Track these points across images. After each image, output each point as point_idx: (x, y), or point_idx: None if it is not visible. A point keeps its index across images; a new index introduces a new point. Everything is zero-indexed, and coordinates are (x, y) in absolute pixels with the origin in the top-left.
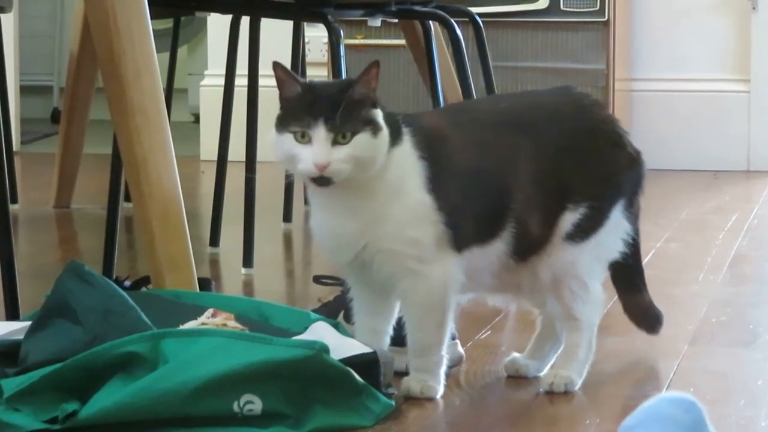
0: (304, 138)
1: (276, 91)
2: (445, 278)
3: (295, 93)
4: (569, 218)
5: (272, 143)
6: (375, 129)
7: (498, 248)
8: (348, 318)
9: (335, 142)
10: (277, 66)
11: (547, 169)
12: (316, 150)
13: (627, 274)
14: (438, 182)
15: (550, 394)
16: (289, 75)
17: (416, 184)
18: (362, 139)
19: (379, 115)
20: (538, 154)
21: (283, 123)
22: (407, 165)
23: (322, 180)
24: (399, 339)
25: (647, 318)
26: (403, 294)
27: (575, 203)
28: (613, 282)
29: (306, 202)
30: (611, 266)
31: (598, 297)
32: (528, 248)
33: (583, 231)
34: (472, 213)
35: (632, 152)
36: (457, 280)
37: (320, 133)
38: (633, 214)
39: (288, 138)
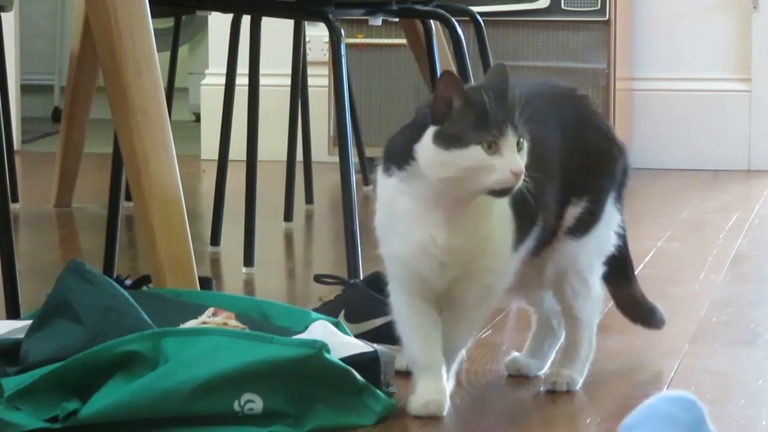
0: (491, 148)
1: (277, 90)
2: (505, 285)
3: (459, 104)
4: (572, 212)
5: (438, 159)
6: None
7: (528, 245)
8: (349, 317)
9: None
10: (443, 78)
11: (557, 162)
12: (511, 159)
13: (617, 266)
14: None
15: (551, 393)
16: (456, 87)
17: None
18: (526, 144)
19: None
20: (550, 146)
21: (460, 137)
22: None
23: (509, 190)
24: (394, 337)
25: (641, 311)
26: (470, 305)
27: (578, 197)
28: (603, 277)
29: (308, 201)
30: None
31: (598, 294)
32: (543, 243)
33: (584, 225)
34: (529, 215)
35: (620, 144)
36: (509, 284)
37: (511, 142)
38: (622, 205)
39: (474, 151)
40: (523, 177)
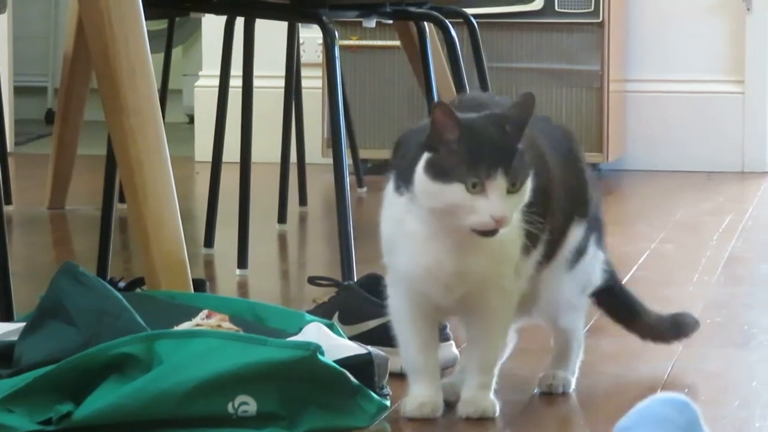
0: (475, 188)
1: (271, 92)
2: (520, 289)
3: (455, 136)
4: (567, 239)
5: (427, 189)
6: (531, 170)
7: (534, 258)
8: (343, 319)
9: (508, 192)
10: (438, 108)
11: (560, 185)
12: (495, 204)
13: (621, 305)
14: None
15: (546, 395)
16: (451, 117)
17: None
18: (528, 184)
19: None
20: (554, 168)
21: (447, 171)
22: None
23: (492, 232)
24: (389, 339)
25: (668, 329)
26: (491, 312)
27: (574, 224)
28: (616, 320)
29: (302, 203)
30: (608, 307)
31: (584, 307)
32: (544, 259)
33: (576, 254)
34: (538, 225)
35: (592, 194)
36: (523, 288)
37: (499, 186)
38: (603, 249)
39: (457, 188)
40: (507, 222)
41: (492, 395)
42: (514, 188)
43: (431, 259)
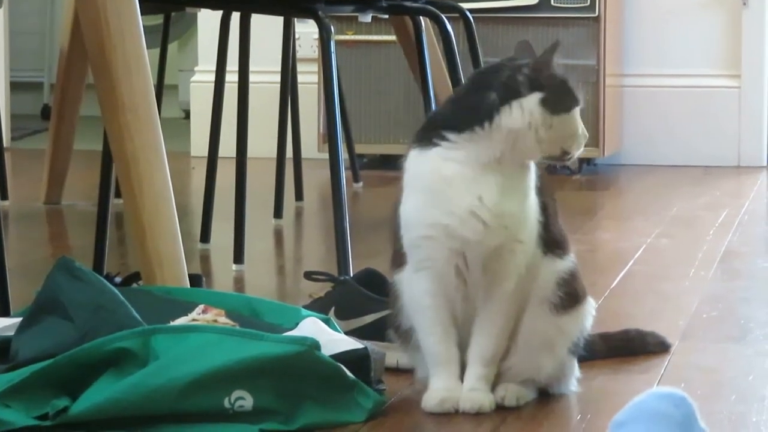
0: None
1: (267, 87)
2: (525, 272)
3: (555, 71)
4: None
5: (545, 123)
6: None
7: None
8: (339, 314)
9: None
10: (552, 49)
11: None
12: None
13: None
14: None
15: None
16: (551, 56)
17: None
18: None
19: None
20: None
21: (564, 101)
22: None
23: (564, 158)
24: (385, 334)
25: (632, 342)
26: (501, 297)
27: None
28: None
29: (298, 198)
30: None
31: None
32: None
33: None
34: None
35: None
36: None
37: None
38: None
39: (576, 114)
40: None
41: (490, 389)
42: None
43: (473, 198)
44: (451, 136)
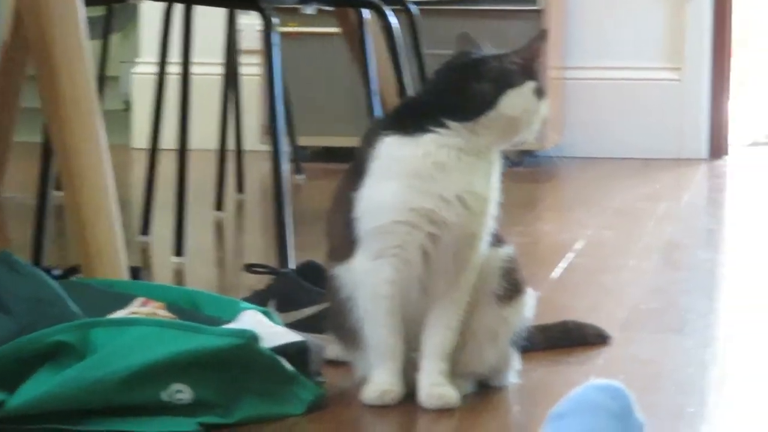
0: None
1: (209, 79)
2: (480, 264)
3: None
4: None
5: (537, 110)
6: None
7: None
8: (279, 307)
9: None
10: (534, 40)
11: None
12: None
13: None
14: None
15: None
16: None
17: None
18: None
19: None
20: None
21: (543, 89)
22: None
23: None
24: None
25: (569, 333)
26: (463, 287)
27: None
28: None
29: (240, 190)
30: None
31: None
32: None
33: None
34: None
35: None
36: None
37: None
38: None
39: (545, 100)
40: None
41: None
42: None
43: (465, 183)
44: (450, 123)
